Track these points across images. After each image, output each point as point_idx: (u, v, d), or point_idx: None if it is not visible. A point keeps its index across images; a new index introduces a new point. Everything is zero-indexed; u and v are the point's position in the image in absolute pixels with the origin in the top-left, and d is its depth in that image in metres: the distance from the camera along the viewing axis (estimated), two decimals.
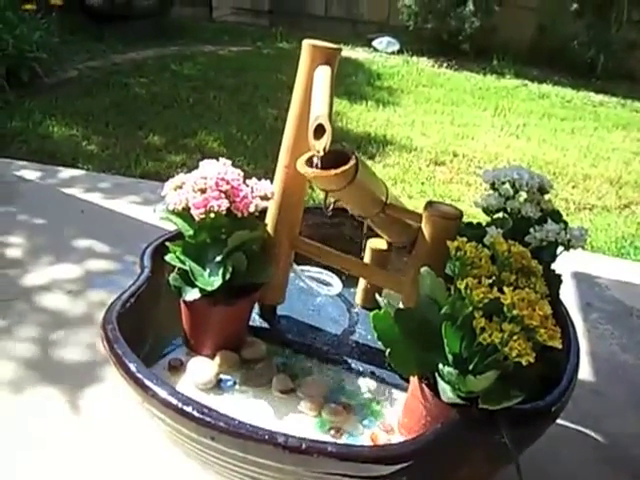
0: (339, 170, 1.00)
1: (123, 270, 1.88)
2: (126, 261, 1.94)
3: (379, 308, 1.34)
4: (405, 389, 1.14)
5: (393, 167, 3.22)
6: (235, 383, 1.16)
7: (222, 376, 1.16)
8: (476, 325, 0.94)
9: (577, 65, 5.07)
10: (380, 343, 1.03)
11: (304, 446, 0.87)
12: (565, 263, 1.16)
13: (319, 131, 1.01)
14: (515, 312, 0.91)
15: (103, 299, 1.73)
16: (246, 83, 4.36)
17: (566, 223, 1.18)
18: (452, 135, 3.77)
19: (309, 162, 1.04)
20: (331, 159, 1.02)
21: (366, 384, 1.20)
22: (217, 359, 1.18)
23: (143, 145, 3.15)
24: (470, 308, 0.95)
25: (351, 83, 4.50)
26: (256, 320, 1.30)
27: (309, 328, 1.32)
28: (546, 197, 1.22)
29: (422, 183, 3.08)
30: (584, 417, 1.47)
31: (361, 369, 1.22)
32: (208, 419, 0.91)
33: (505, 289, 0.94)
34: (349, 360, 1.24)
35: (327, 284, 1.43)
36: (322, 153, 1.00)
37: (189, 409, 0.92)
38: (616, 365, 1.69)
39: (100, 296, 1.76)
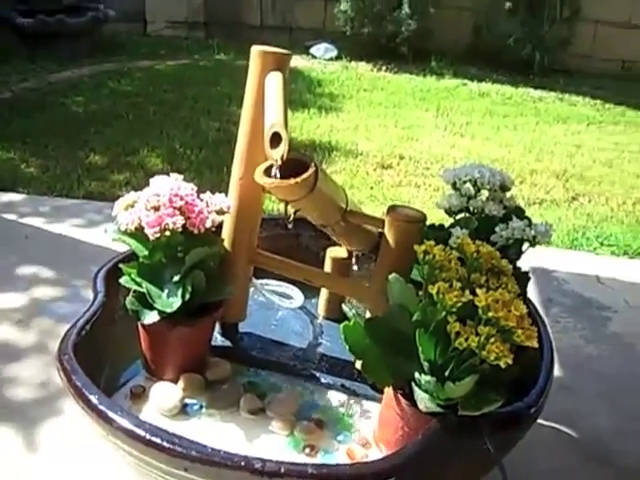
0: (299, 179, 0.96)
1: (72, 295, 1.81)
2: (75, 286, 1.87)
3: (344, 318, 1.32)
4: (378, 400, 1.10)
5: (340, 173, 3.19)
6: (201, 407, 1.11)
7: (187, 400, 1.11)
8: (450, 330, 0.91)
9: (514, 62, 5.11)
10: (350, 354, 1.00)
11: (283, 470, 0.83)
12: (522, 259, 1.14)
13: (275, 139, 0.97)
14: (491, 314, 0.89)
15: (54, 326, 1.66)
16: (186, 97, 4.28)
17: (530, 219, 1.17)
18: (397, 138, 3.76)
19: (267, 172, 1.00)
20: (289, 168, 0.98)
21: (337, 398, 1.16)
22: (180, 383, 1.13)
23: (84, 165, 3.05)
24: (443, 313, 0.92)
25: (291, 91, 4.46)
26: (218, 339, 1.25)
27: (273, 343, 1.27)
28: (507, 194, 1.20)
29: (371, 188, 3.05)
30: (557, 415, 1.45)
31: (331, 382, 1.18)
32: (179, 449, 0.86)
33: (478, 291, 0.91)
34: (317, 374, 1.20)
35: (288, 297, 1.39)
36: (280, 162, 0.96)
37: (158, 440, 0.87)
38: (582, 358, 1.68)
39: (51, 323, 1.69)
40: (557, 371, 1.59)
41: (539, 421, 1.39)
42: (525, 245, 1.15)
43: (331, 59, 5.47)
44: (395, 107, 4.35)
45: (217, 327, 1.24)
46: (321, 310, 1.37)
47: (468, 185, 1.19)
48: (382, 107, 4.33)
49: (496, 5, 5.22)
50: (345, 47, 5.47)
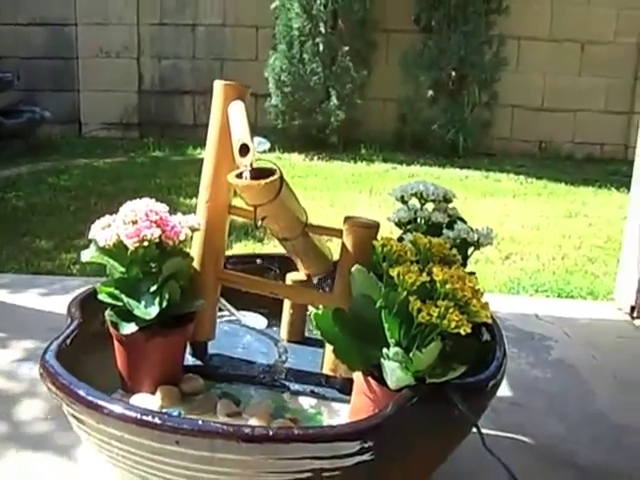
0: (268, 180, 1.06)
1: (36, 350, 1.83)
2: (37, 347, 1.88)
3: (306, 341, 1.41)
4: (347, 402, 1.17)
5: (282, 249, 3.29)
6: (180, 414, 1.16)
7: (166, 410, 1.16)
8: (412, 307, 0.99)
9: (439, 146, 5.40)
10: (317, 365, 1.06)
11: (271, 433, 0.89)
12: None
13: (243, 150, 1.08)
14: (448, 286, 0.98)
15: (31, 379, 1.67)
16: (125, 189, 4.37)
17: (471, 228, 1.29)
18: (334, 215, 3.90)
19: (238, 177, 1.10)
20: (257, 177, 1.09)
21: (307, 401, 1.23)
22: (158, 394, 1.18)
23: (31, 249, 3.10)
24: (404, 294, 1.01)
25: None
26: (189, 360, 1.31)
27: (242, 362, 1.34)
28: (450, 205, 1.32)
29: None
30: (510, 425, 1.54)
31: (300, 389, 1.25)
32: (170, 424, 0.92)
33: (435, 269, 1.01)
34: (287, 383, 1.27)
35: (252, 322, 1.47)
36: (250, 167, 1.07)
37: (149, 418, 0.93)
38: (529, 380, 1.78)
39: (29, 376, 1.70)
40: (507, 391, 1.70)
41: (494, 432, 1.49)
42: (470, 249, 1.27)
43: (264, 152, 5.62)
44: (329, 190, 4.52)
45: (188, 348, 1.31)
46: (284, 334, 1.45)
47: (414, 200, 1.31)
48: (317, 190, 4.50)
49: (418, 94, 5.54)
50: (277, 140, 5.66)
